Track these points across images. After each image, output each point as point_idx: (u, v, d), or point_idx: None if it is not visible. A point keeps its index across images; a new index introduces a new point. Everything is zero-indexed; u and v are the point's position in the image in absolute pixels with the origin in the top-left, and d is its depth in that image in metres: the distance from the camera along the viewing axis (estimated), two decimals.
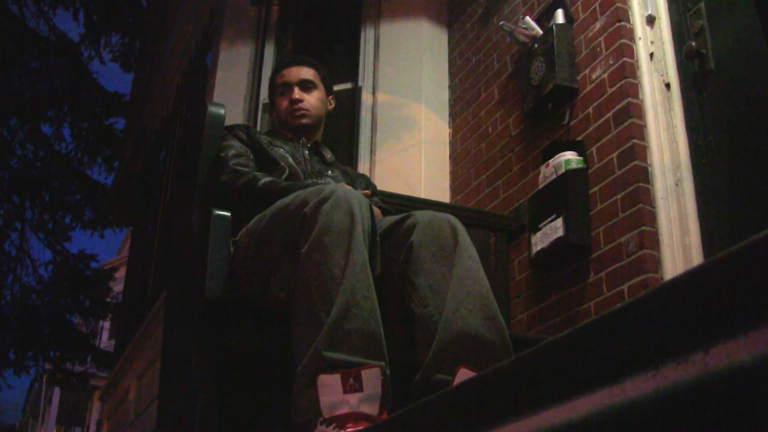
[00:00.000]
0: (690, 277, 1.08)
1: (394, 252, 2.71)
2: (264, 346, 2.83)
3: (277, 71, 3.54)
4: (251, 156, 3.16)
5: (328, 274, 2.33)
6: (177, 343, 3.22)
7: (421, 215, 2.78)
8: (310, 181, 3.11)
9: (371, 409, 2.17)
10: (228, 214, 2.85)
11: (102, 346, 20.05)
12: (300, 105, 3.40)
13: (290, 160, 3.20)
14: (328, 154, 3.46)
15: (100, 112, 15.10)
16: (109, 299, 15.69)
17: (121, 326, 10.20)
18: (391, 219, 2.86)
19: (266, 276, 2.66)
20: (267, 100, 5.39)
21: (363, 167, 5.21)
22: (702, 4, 3.73)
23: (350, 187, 2.76)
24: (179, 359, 3.08)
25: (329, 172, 3.32)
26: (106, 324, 23.57)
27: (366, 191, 3.09)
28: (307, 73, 3.47)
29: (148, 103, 9.69)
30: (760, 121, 3.28)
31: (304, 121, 3.40)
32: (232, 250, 2.81)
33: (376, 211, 3.13)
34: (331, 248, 2.37)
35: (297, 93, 3.40)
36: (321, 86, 3.48)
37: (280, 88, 3.45)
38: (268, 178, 2.98)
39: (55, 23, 15.10)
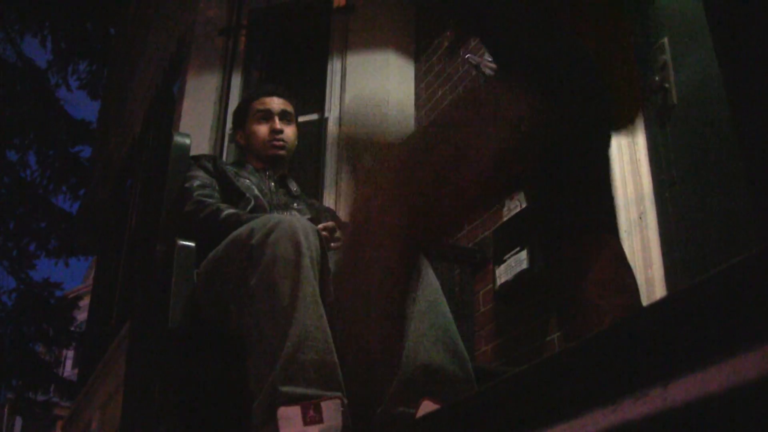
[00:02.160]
0: (649, 312, 1.08)
1: None
2: (227, 376, 2.81)
3: (256, 97, 3.51)
4: (216, 187, 3.15)
5: (277, 307, 2.32)
6: (140, 373, 3.19)
7: None
8: (274, 213, 3.10)
9: None
10: (192, 244, 2.84)
11: (65, 375, 19.86)
12: (281, 136, 3.40)
13: (256, 191, 3.19)
14: (294, 187, 3.45)
15: (67, 140, 15.03)
16: (73, 328, 15.58)
17: (84, 355, 10.11)
18: None
19: (225, 306, 2.65)
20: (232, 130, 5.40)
21: (329, 198, 5.21)
22: (666, 40, 3.77)
23: (298, 217, 2.76)
24: (142, 389, 3.06)
25: (295, 204, 3.32)
26: (70, 353, 23.35)
27: (330, 223, 3.09)
28: (287, 105, 3.47)
29: (115, 131, 9.66)
30: (722, 155, 3.31)
31: (282, 152, 3.40)
32: (195, 280, 2.80)
33: (339, 244, 3.13)
34: (278, 280, 2.36)
35: (279, 123, 3.41)
36: (295, 121, 3.49)
37: (260, 113, 3.43)
38: (231, 210, 2.97)
39: (22, 49, 15.02)
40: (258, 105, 3.46)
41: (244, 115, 3.48)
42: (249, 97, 3.59)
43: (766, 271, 0.88)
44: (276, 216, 2.68)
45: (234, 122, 3.57)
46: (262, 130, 3.40)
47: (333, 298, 2.56)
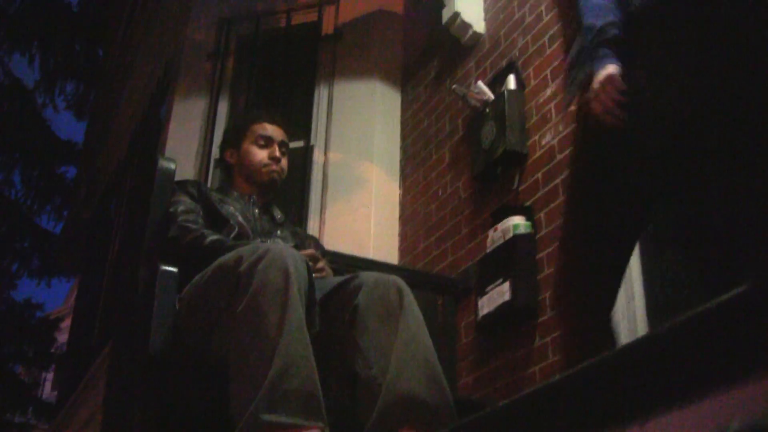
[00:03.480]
0: (628, 351, 1.09)
1: (339, 313, 2.71)
2: (207, 403, 2.80)
3: (257, 120, 3.50)
4: (201, 213, 3.14)
5: (264, 334, 2.32)
6: (119, 398, 3.18)
7: (367, 276, 2.78)
8: (258, 240, 3.10)
9: None
10: (175, 270, 2.83)
11: (44, 397, 19.72)
12: (279, 164, 3.42)
13: (240, 218, 3.19)
14: (278, 214, 3.46)
15: (52, 160, 15.01)
16: (53, 349, 15.49)
17: (64, 377, 10.06)
18: (336, 279, 2.86)
19: (209, 332, 2.64)
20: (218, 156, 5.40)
21: (312, 225, 5.21)
22: None
23: (286, 245, 2.77)
24: (121, 414, 3.05)
25: (278, 232, 3.32)
26: (50, 374, 23.20)
27: (311, 251, 3.09)
28: (285, 137, 3.49)
29: (101, 153, 9.66)
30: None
31: (276, 180, 3.42)
32: (177, 306, 2.79)
33: (327, 271, 3.13)
34: (266, 308, 2.36)
35: (278, 151, 3.42)
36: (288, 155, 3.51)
37: (261, 138, 3.43)
38: (215, 236, 2.97)
39: (10, 68, 15.00)
40: (259, 129, 3.46)
41: (241, 136, 3.47)
42: (249, 118, 3.56)
43: (746, 313, 0.89)
44: (265, 244, 2.68)
45: (227, 140, 3.54)
46: (261, 154, 3.40)
47: (318, 329, 2.57)
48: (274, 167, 3.40)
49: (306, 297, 2.48)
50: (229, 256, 2.61)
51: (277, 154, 3.41)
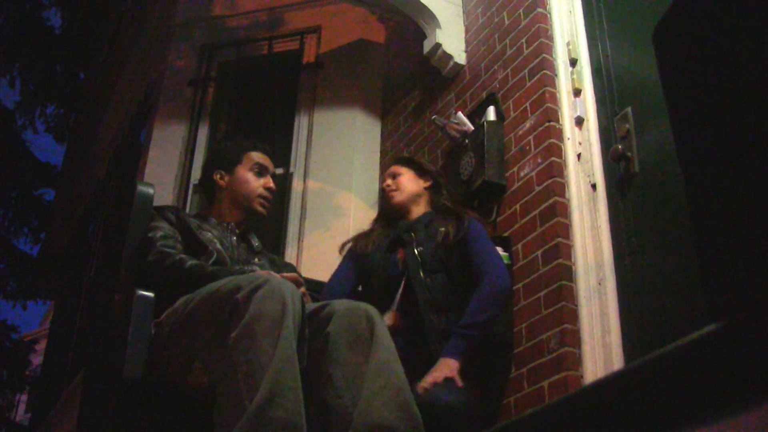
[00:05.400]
0: (602, 386, 1.10)
1: (311, 341, 2.71)
2: (182, 430, 2.79)
3: (255, 149, 3.53)
4: (179, 239, 3.15)
5: (255, 361, 2.32)
6: (93, 424, 3.16)
7: (338, 304, 2.78)
8: (237, 267, 3.10)
9: None
10: (152, 295, 2.83)
11: (18, 419, 19.57)
12: (270, 196, 3.46)
13: (218, 245, 3.19)
14: (256, 242, 3.47)
15: (30, 182, 14.94)
16: (27, 372, 15.38)
17: (38, 400, 9.98)
18: (309, 307, 2.86)
19: (190, 359, 2.64)
20: (197, 182, 5.40)
21: (290, 253, 5.20)
22: (629, 109, 3.82)
23: (282, 278, 2.77)
24: None
25: (256, 260, 3.32)
26: (24, 397, 23.03)
27: (293, 274, 3.10)
28: (274, 170, 3.54)
29: (80, 176, 9.62)
30: (681, 224, 3.35)
31: (264, 211, 3.45)
32: (153, 331, 2.78)
33: (307, 297, 3.14)
34: (260, 336, 2.37)
35: (272, 183, 3.47)
36: None
37: (257, 167, 3.46)
38: (194, 262, 2.97)
39: None
40: (258, 158, 3.49)
41: (236, 160, 3.49)
42: (247, 145, 3.58)
43: (721, 347, 0.90)
44: (263, 274, 2.69)
45: (217, 161, 3.55)
46: (257, 182, 3.44)
47: (306, 363, 2.57)
48: (268, 198, 3.44)
49: (298, 331, 2.49)
50: (224, 283, 2.61)
51: (272, 185, 3.45)
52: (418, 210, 3.93)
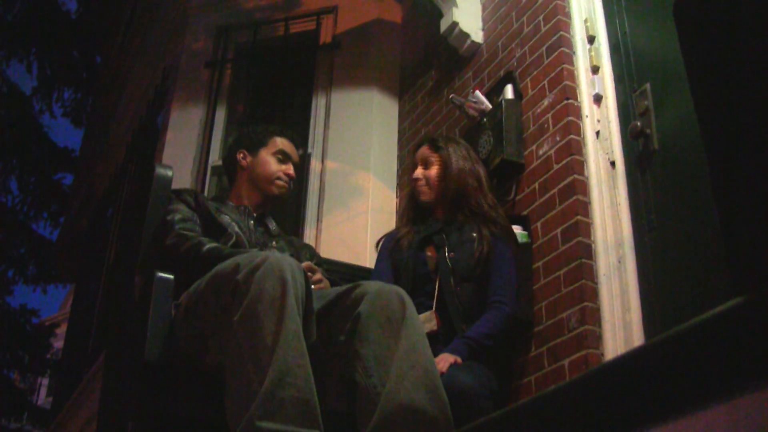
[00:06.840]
0: (624, 361, 1.09)
1: (341, 322, 2.71)
2: (203, 411, 2.80)
3: (282, 135, 3.56)
4: (197, 221, 3.15)
5: (260, 343, 2.32)
6: (114, 406, 3.18)
7: (370, 285, 2.78)
8: (255, 250, 3.11)
9: None
10: (171, 277, 2.83)
11: (39, 403, 19.71)
12: (290, 184, 3.53)
13: (236, 228, 3.21)
14: (273, 226, 3.48)
15: (49, 167, 14.99)
16: (48, 356, 15.47)
17: (59, 384, 10.03)
18: (338, 289, 2.86)
19: (205, 340, 2.64)
20: (216, 163, 5.39)
21: (309, 234, 5.20)
22: (648, 86, 3.80)
23: (283, 254, 2.77)
24: (116, 421, 3.04)
25: (273, 243, 3.33)
26: (45, 381, 23.17)
27: (308, 263, 3.10)
28: (298, 158, 3.55)
29: (98, 160, 9.64)
30: (701, 201, 3.33)
31: (280, 194, 3.48)
32: (173, 312, 2.79)
33: (324, 282, 3.13)
34: (263, 317, 2.36)
35: (293, 171, 3.49)
36: None
37: (281, 153, 3.49)
38: (212, 244, 2.97)
39: (7, 75, 15.00)
40: (282, 144, 3.51)
41: (261, 143, 3.52)
42: (274, 130, 3.61)
43: (741, 324, 0.89)
44: (263, 252, 2.68)
45: (242, 142, 3.58)
46: (278, 167, 3.46)
47: (315, 338, 2.57)
48: (286, 184, 3.46)
49: (303, 306, 2.49)
50: (226, 264, 2.61)
51: (292, 173, 3.47)
52: (451, 207, 3.83)
